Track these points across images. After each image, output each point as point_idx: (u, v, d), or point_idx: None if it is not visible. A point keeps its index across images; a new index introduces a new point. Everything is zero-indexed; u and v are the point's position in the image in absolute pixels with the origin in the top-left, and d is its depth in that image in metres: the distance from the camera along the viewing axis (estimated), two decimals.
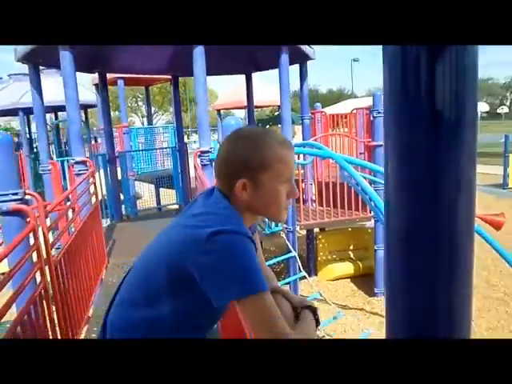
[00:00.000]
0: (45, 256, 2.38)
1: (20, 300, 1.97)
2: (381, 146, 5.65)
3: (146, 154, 9.89)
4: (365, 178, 3.85)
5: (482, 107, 30.16)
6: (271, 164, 1.04)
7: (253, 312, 0.95)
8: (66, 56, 4.04)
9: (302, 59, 6.09)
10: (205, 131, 4.45)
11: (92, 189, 4.12)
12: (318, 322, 1.14)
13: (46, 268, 2.38)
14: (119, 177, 6.89)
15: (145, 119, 42.38)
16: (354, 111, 6.33)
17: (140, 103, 43.33)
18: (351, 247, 7.01)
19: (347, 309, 5.71)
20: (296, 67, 6.25)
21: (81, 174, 4.18)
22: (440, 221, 0.61)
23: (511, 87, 26.29)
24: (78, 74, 4.32)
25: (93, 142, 12.87)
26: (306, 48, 5.77)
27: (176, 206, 8.67)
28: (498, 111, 38.65)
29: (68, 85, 4.08)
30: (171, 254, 1.02)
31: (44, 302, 2.24)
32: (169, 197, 9.33)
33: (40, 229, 2.38)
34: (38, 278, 2.33)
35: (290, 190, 1.09)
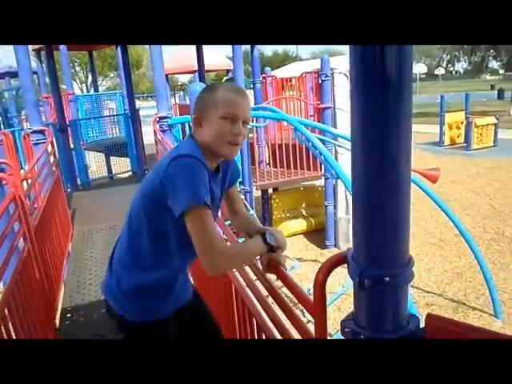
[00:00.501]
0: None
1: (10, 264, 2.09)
2: (329, 108, 5.98)
3: (94, 122, 9.65)
4: (317, 138, 4.15)
5: (420, 69, 31.40)
6: (217, 102, 1.27)
7: (192, 224, 1.17)
8: None
9: None
10: (162, 97, 4.54)
11: (52, 158, 4.13)
12: (267, 244, 1.32)
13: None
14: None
15: (83, 86, 40.20)
16: (304, 75, 6.56)
17: (78, 69, 40.94)
18: (303, 205, 7.42)
19: (302, 261, 6.15)
20: None
21: (39, 143, 4.16)
22: (386, 169, 0.89)
23: (447, 48, 27.53)
24: None
25: None
26: None
27: (128, 174, 8.64)
28: (436, 72, 40.44)
29: (19, 52, 3.98)
30: (152, 179, 1.27)
31: (31, 264, 2.38)
32: (120, 165, 9.25)
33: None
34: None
35: (234, 127, 1.26)
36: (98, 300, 3.04)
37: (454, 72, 56.25)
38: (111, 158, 9.37)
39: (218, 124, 1.26)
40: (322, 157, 3.71)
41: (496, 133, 12.19)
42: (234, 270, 1.79)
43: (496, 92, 29.32)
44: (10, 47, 12.37)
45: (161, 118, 4.48)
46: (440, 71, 39.44)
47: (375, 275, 0.95)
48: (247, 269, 1.66)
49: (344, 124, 6.04)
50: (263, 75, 7.00)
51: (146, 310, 1.36)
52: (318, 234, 6.90)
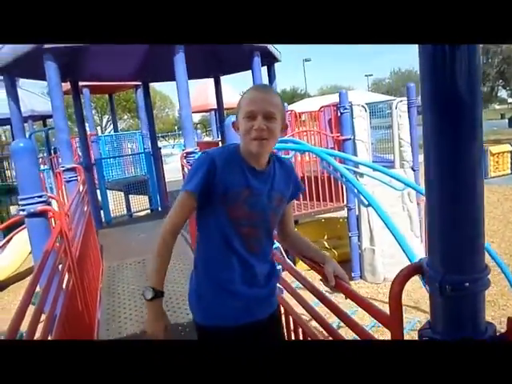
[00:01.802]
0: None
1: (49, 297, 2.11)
2: (349, 139, 6.07)
3: (114, 161, 9.88)
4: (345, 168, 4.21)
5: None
6: (240, 104, 1.38)
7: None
8: (51, 66, 4.13)
9: (269, 61, 6.40)
10: (189, 133, 4.67)
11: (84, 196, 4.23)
12: None
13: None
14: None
15: (98, 128, 41.34)
16: (322, 109, 6.71)
17: (93, 111, 42.16)
18: (325, 237, 7.40)
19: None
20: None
21: (71, 180, 4.28)
22: (461, 181, 0.93)
23: None
24: (25, 83, 4.38)
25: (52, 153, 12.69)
26: (273, 50, 6.09)
27: (146, 212, 8.75)
28: None
29: (54, 94, 4.18)
30: None
31: (75, 297, 2.41)
32: (138, 203, 9.40)
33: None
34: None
35: (254, 123, 1.32)
36: (134, 334, 3.04)
37: None
38: (130, 196, 9.55)
39: (242, 124, 1.36)
40: (351, 186, 3.75)
41: None
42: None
43: (507, 120, 29.45)
44: (35, 90, 12.93)
45: (188, 153, 4.60)
46: None
47: (456, 281, 0.97)
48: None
49: (364, 154, 6.12)
50: None
51: (209, 310, 1.42)
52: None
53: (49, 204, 2.44)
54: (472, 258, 0.99)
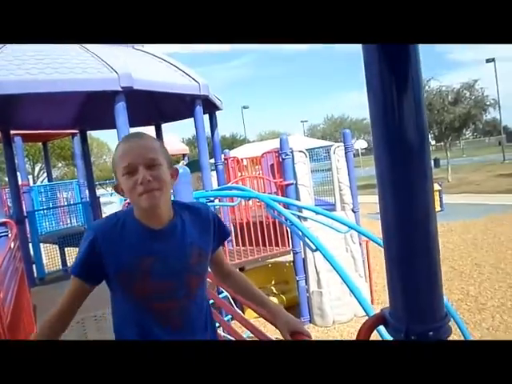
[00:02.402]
0: None
1: None
2: (292, 184, 6.20)
3: (48, 212, 9.36)
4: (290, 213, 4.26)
5: (361, 144, 33.73)
6: (114, 163, 1.19)
7: None
8: None
9: (211, 109, 6.50)
10: None
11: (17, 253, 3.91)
12: None
13: None
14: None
15: (30, 177, 39.33)
16: (264, 155, 6.85)
17: (17, 162, 40.15)
18: (273, 282, 7.34)
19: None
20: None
21: (1, 236, 3.96)
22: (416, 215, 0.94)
23: None
24: None
25: None
26: (214, 99, 6.21)
27: None
28: None
29: None
30: None
31: None
32: (74, 256, 8.84)
33: None
34: None
35: (137, 177, 1.13)
36: None
37: None
38: (66, 248, 9.00)
39: (123, 183, 1.17)
40: (298, 230, 3.79)
41: (441, 198, 13.00)
42: None
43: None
44: None
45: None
46: None
47: (420, 330, 0.97)
48: None
49: (306, 198, 6.26)
50: (225, 157, 7.24)
51: None
52: (290, 311, 6.71)
53: None
54: (433, 307, 1.00)
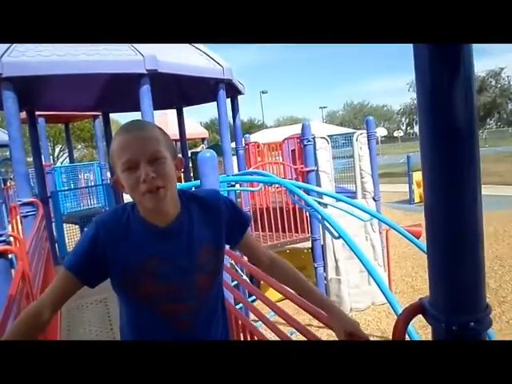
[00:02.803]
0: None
1: None
2: (313, 170, 6.17)
3: (70, 193, 9.53)
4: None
5: (381, 132, 33.26)
6: (114, 156, 1.07)
7: None
8: (9, 95, 3.96)
9: (233, 94, 6.47)
10: None
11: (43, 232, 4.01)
12: None
13: None
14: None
15: (50, 158, 39.87)
16: (285, 141, 6.81)
17: (40, 143, 40.75)
18: None
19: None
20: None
21: (28, 215, 4.05)
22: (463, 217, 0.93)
23: (406, 113, 29.49)
24: None
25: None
26: (237, 83, 6.17)
27: None
28: (395, 135, 42.89)
29: (12, 125, 3.99)
30: None
31: None
32: None
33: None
34: None
35: (140, 173, 1.03)
36: None
37: (411, 134, 59.94)
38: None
39: (124, 180, 1.06)
40: (320, 217, 3.78)
41: None
42: None
43: None
44: None
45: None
46: (400, 133, 41.85)
47: (461, 321, 0.96)
48: None
49: (327, 184, 6.23)
50: (246, 142, 7.22)
51: None
52: None
53: (8, 243, 2.26)
54: (475, 298, 0.99)
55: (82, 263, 1.08)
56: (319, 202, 5.37)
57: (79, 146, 41.51)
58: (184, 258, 1.12)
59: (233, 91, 6.25)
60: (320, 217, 3.79)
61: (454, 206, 0.92)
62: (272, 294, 6.85)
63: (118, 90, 6.16)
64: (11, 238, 2.36)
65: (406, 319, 1.08)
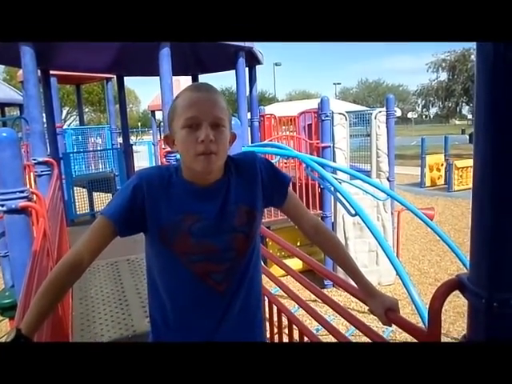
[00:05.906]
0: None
1: None
2: (329, 146, 6.08)
3: (78, 156, 9.48)
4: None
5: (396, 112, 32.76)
6: (176, 111, 1.07)
7: None
8: (27, 52, 3.87)
9: (252, 63, 6.32)
10: None
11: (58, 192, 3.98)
12: None
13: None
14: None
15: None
16: (302, 114, 6.70)
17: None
18: (298, 243, 7.36)
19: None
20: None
21: (43, 174, 4.02)
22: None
23: (422, 94, 28.87)
24: None
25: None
26: (257, 52, 6.02)
27: None
28: (409, 116, 42.18)
29: (29, 81, 3.91)
30: None
31: None
32: (101, 202, 8.98)
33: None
34: None
35: (198, 133, 1.03)
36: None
37: (425, 116, 58.94)
38: (94, 193, 9.13)
39: (182, 136, 1.06)
40: (338, 194, 3.72)
41: None
42: None
43: (467, 136, 30.79)
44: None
45: (169, 152, 4.43)
46: (414, 115, 41.17)
47: (503, 298, 0.93)
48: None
49: (342, 162, 6.15)
50: (261, 114, 7.11)
51: None
52: (315, 273, 6.80)
53: (30, 200, 2.24)
54: None
55: (122, 212, 1.07)
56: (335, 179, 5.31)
57: (86, 110, 41.26)
58: (220, 217, 1.12)
59: (252, 60, 6.10)
60: (338, 194, 3.73)
61: (502, 182, 0.89)
62: (276, 270, 6.87)
63: (133, 53, 6.02)
64: (33, 196, 2.33)
65: (442, 295, 1.09)
